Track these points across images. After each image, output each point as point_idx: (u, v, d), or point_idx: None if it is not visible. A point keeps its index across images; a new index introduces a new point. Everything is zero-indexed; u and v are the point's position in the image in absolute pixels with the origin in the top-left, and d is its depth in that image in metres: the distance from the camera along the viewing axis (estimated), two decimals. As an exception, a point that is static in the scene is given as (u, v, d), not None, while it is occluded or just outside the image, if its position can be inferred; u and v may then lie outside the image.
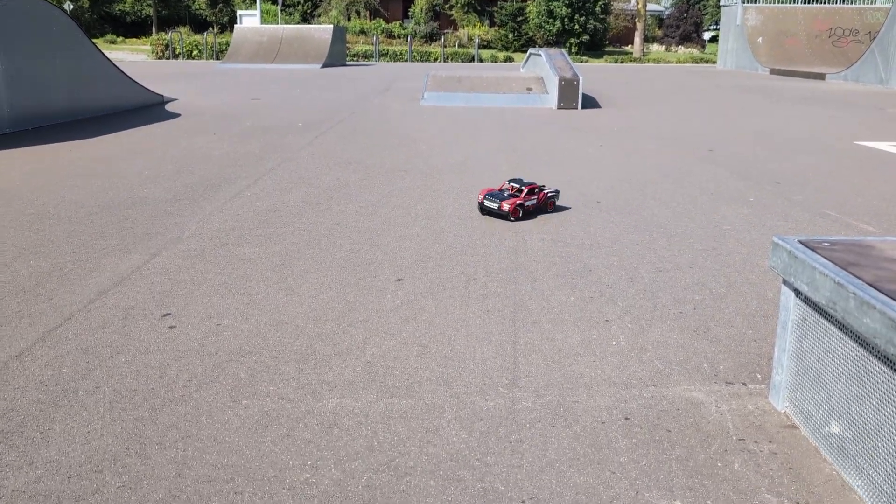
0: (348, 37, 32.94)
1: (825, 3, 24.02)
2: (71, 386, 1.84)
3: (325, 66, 21.25)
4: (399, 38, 38.12)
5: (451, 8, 43.12)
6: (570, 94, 9.28)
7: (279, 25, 25.02)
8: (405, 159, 5.30)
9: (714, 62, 27.55)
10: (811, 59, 20.95)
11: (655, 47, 42.20)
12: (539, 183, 3.78)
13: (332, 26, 23.35)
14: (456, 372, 1.93)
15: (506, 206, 3.50)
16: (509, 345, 2.11)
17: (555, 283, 2.65)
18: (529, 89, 10.13)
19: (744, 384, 1.87)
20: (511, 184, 3.68)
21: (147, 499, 1.40)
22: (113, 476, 1.48)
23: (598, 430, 1.65)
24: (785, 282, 1.67)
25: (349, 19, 41.53)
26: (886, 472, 1.31)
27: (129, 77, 8.60)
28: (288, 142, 6.07)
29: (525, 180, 3.74)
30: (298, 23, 41.76)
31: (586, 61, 32.13)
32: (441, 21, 42.78)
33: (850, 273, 1.44)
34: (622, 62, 31.64)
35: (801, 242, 1.66)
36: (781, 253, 1.66)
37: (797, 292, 1.63)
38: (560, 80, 9.26)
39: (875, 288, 1.36)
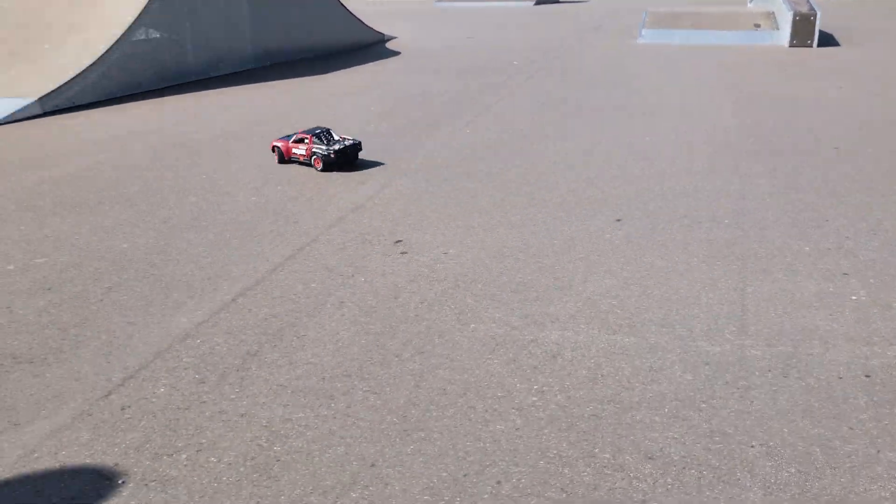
0: (561, -27, 32.19)
1: None
2: (320, 300, 2.04)
3: (538, 2, 20.98)
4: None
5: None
6: (805, 31, 8.51)
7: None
8: (621, 98, 5.17)
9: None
10: None
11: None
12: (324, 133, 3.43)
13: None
14: (680, 316, 1.91)
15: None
16: (737, 292, 2.05)
17: (787, 231, 2.51)
18: (758, 25, 9.42)
19: None
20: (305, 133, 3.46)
21: (390, 403, 1.55)
22: (360, 381, 1.64)
23: (834, 384, 1.58)
24: None
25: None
26: None
27: (355, 17, 9.03)
28: (504, 81, 6.13)
29: (318, 130, 3.45)
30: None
31: (823, -6, 29.10)
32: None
33: None
34: (866, -6, 28.31)
35: None
36: None
37: None
38: (795, 15, 8.51)
39: None
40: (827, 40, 9.11)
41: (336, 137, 3.41)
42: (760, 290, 2.06)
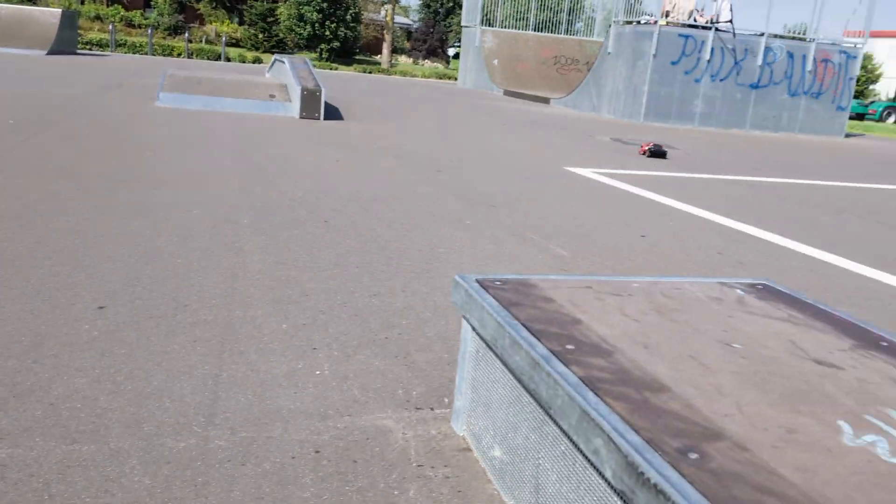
0: (81, 22, 30.27)
1: (553, 31, 26.43)
2: None
3: (51, 52, 19.36)
4: (140, 27, 35.74)
5: (198, 2, 41.24)
6: (312, 105, 9.31)
7: (-6, 3, 22.28)
8: (129, 167, 5.00)
9: (456, 78, 29.09)
10: (539, 83, 22.91)
11: (403, 59, 43.63)
12: None
13: (60, 10, 21.28)
14: (149, 412, 1.87)
15: None
16: (211, 378, 2.08)
17: (269, 309, 2.66)
18: (272, 96, 10.01)
19: (431, 409, 2.02)
20: None
21: None
22: None
23: (287, 466, 1.69)
24: (464, 317, 1.83)
25: (83, 3, 38.15)
26: (528, 491, 1.50)
27: None
28: (-10, 142, 5.45)
29: None
30: (21, 2, 37.62)
31: (336, 69, 32.39)
32: (187, 14, 40.78)
33: (510, 313, 1.62)
34: (371, 72, 32.32)
35: (477, 281, 1.83)
36: (460, 291, 1.82)
37: (473, 327, 1.80)
38: (303, 90, 9.26)
39: (526, 327, 1.54)
40: (333, 114, 10.08)
41: None
42: (235, 373, 2.13)
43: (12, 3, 27.54)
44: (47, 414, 1.82)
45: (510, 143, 9.02)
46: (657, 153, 8.49)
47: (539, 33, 25.31)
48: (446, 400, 2.07)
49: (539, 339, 1.48)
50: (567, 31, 27.06)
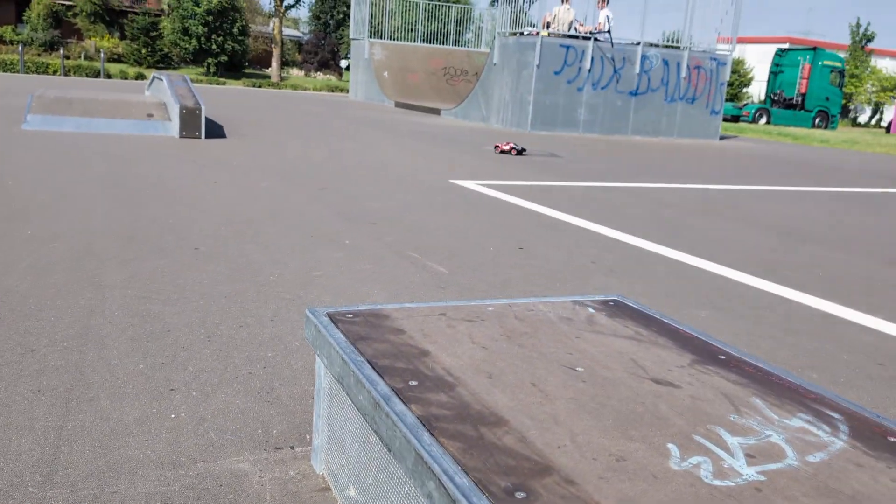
0: (-60, 39, 28.53)
1: (442, 44, 26.68)
2: None
3: None
4: (12, 44, 33.94)
5: (75, 16, 39.51)
6: (192, 123, 9.04)
7: None
8: (-17, 199, 4.69)
9: (348, 90, 28.94)
10: (430, 94, 23.07)
11: (295, 72, 43.11)
12: None
13: (-86, 26, 19.86)
14: (-23, 475, 1.73)
15: None
16: (54, 431, 1.95)
17: (126, 348, 2.53)
18: (150, 115, 9.66)
19: (291, 447, 1.96)
20: None
21: None
22: None
23: (129, 523, 1.60)
24: (316, 352, 1.79)
25: (-58, 18, 35.95)
26: (380, 533, 1.47)
27: None
28: None
29: None
30: None
31: (224, 83, 31.70)
32: (63, 29, 38.97)
33: (356, 349, 1.59)
34: (260, 86, 31.77)
35: (328, 315, 1.79)
36: (311, 327, 1.77)
37: (324, 363, 1.76)
38: (182, 109, 8.98)
39: (371, 364, 1.51)
40: (216, 131, 9.81)
41: None
42: (82, 423, 2.00)
43: None
44: None
45: (398, 157, 9.02)
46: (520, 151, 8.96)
47: (428, 45, 25.51)
48: (307, 437, 2.02)
49: (382, 377, 1.45)
50: (456, 42, 27.41)
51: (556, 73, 15.47)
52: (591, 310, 1.97)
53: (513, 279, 3.76)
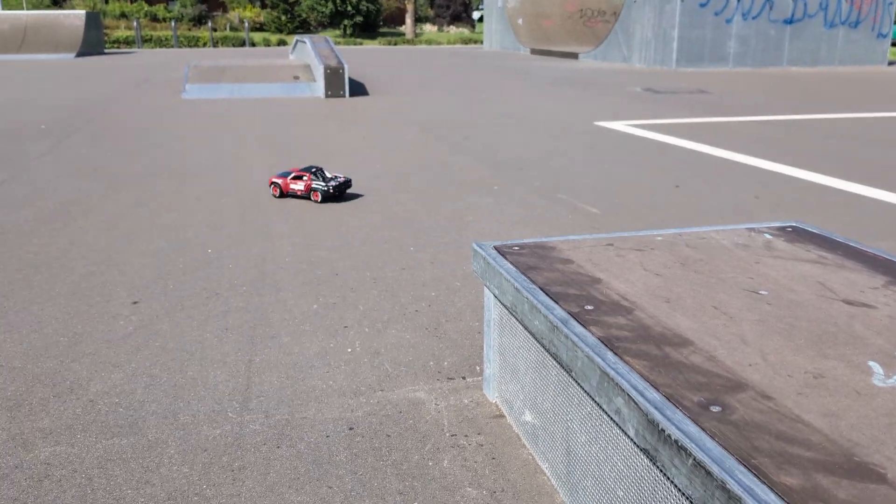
0: (107, 21, 30.65)
1: (575, -15, 25.87)
2: None
3: (79, 55, 19.66)
4: (164, 21, 35.99)
5: (218, -11, 41.36)
6: (336, 83, 9.30)
7: (21, 12, 22.66)
8: (158, 162, 5.06)
9: (482, 42, 28.75)
10: (566, 38, 22.50)
11: (428, 27, 43.22)
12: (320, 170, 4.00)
13: (84, 12, 21.51)
14: (185, 402, 1.90)
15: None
16: (244, 364, 2.11)
17: (299, 291, 2.68)
18: (296, 77, 10.03)
19: (463, 378, 2.01)
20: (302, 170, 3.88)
21: None
22: None
23: (321, 445, 1.70)
24: (485, 284, 1.82)
25: (107, 2, 38.56)
26: (560, 454, 1.49)
27: None
28: (25, 148, 5.56)
29: (314, 168, 3.99)
30: (48, 6, 38.21)
31: (360, 43, 32.27)
32: (209, 3, 40.92)
33: (528, 277, 1.60)
34: (395, 44, 32.12)
35: (495, 248, 1.81)
36: (479, 259, 1.80)
37: (494, 294, 1.78)
38: (325, 69, 9.25)
39: (544, 291, 1.52)
40: (358, 90, 10.05)
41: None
42: (267, 358, 2.15)
43: (37, 10, 28.06)
44: (87, 410, 1.86)
45: (538, 103, 8.90)
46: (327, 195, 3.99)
47: (562, -12, 24.79)
48: (478, 368, 2.07)
49: (557, 302, 1.46)
50: (590, -17, 26.44)
51: (702, 5, 14.64)
52: (767, 236, 1.88)
53: (671, 217, 3.65)
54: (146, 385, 1.99)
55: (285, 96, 9.43)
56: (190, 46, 29.06)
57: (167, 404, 1.89)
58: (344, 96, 9.33)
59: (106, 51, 24.08)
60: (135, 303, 2.56)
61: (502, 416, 1.81)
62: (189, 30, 33.24)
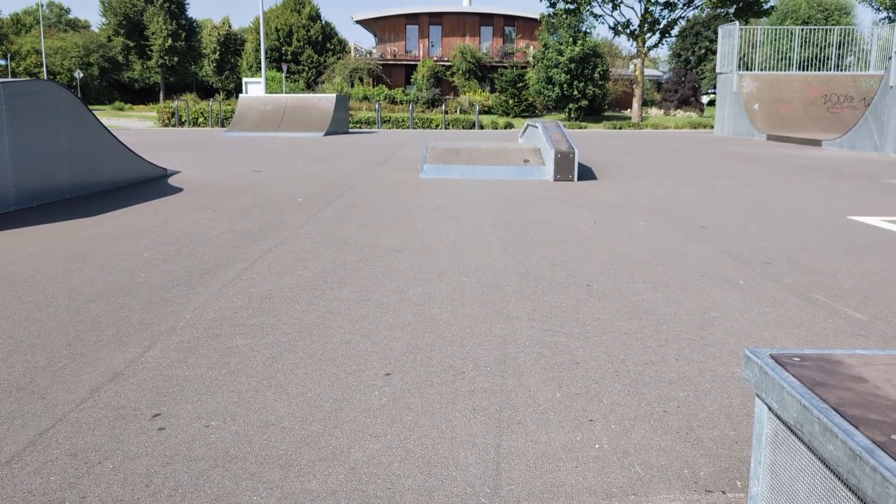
0: (351, 103, 33.57)
1: (820, 69, 24.53)
2: (58, 496, 1.86)
3: (327, 133, 21.66)
4: (401, 104, 38.82)
5: (452, 75, 43.96)
6: (565, 167, 9.43)
7: (283, 95, 25.56)
8: (400, 238, 5.38)
9: (712, 126, 27.96)
10: (808, 125, 21.28)
11: (654, 111, 42.86)
12: None
13: (335, 95, 23.83)
14: (438, 481, 1.94)
15: None
16: (493, 448, 2.13)
17: (542, 377, 2.68)
18: (526, 161, 10.31)
19: (723, 492, 1.88)
20: None
21: None
22: None
23: (575, 546, 1.66)
24: (757, 395, 1.70)
25: (352, 86, 42.34)
26: None
27: (132, 152, 8.78)
28: (286, 219, 6.17)
29: None
30: (303, 89, 42.73)
31: (585, 127, 32.63)
32: (443, 87, 43.60)
33: (816, 395, 1.48)
34: (620, 127, 32.12)
35: (772, 357, 1.69)
36: (753, 368, 1.70)
37: (770, 407, 1.66)
38: (556, 153, 9.43)
39: (839, 413, 1.39)
40: (586, 174, 10.12)
41: None
42: (515, 444, 2.15)
43: (294, 93, 31.44)
44: (349, 478, 1.96)
45: (780, 192, 8.42)
46: None
47: (804, 72, 23.62)
48: (738, 483, 1.93)
49: (857, 428, 1.33)
50: (837, 67, 24.98)
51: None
52: None
53: (950, 329, 3.24)
54: (401, 459, 2.06)
55: (515, 178, 9.71)
56: (424, 127, 31.00)
57: (422, 481, 1.94)
58: (572, 180, 9.43)
59: (350, 130, 26.36)
60: (387, 374, 2.70)
61: (772, 541, 1.66)
62: (423, 112, 35.54)
